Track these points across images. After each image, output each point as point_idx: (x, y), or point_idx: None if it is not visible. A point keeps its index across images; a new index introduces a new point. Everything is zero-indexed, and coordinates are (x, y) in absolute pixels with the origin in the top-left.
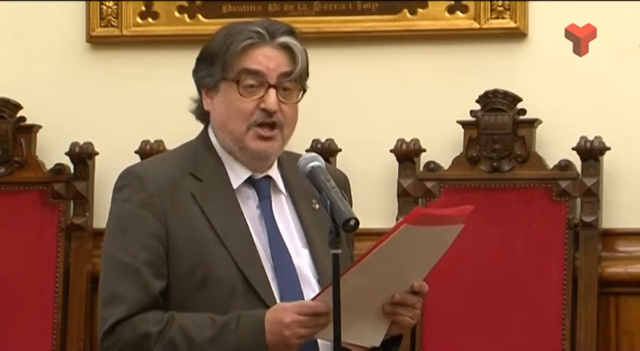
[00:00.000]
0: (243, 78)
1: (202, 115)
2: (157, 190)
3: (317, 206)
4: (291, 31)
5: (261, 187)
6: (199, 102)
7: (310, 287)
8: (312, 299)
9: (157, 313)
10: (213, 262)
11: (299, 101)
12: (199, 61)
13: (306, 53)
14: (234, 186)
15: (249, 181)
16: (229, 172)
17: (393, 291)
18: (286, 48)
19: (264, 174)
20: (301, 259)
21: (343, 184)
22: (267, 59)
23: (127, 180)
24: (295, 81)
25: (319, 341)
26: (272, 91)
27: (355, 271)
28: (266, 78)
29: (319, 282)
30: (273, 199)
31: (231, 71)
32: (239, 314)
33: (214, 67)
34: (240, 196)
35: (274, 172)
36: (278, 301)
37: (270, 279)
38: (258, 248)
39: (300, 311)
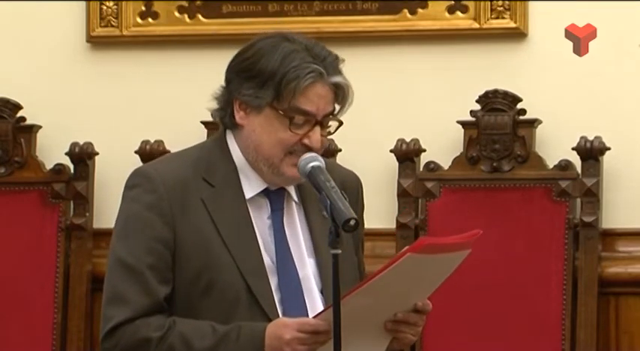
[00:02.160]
0: (295, 115)
1: (228, 121)
2: (166, 192)
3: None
4: (339, 63)
5: (274, 198)
6: (228, 108)
7: (313, 300)
8: (314, 317)
9: (159, 318)
10: (218, 269)
11: (334, 133)
12: (244, 74)
13: (351, 89)
14: (248, 195)
15: (264, 192)
16: (243, 180)
17: (395, 309)
18: (338, 87)
19: (280, 186)
20: (307, 269)
21: (356, 187)
22: (319, 98)
23: (137, 179)
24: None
25: None
26: (317, 129)
27: (358, 293)
28: (315, 117)
29: (322, 292)
30: (285, 209)
31: (284, 103)
32: (240, 325)
33: (264, 91)
34: (253, 206)
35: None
36: (280, 313)
37: (273, 291)
38: (265, 260)
39: (300, 328)
